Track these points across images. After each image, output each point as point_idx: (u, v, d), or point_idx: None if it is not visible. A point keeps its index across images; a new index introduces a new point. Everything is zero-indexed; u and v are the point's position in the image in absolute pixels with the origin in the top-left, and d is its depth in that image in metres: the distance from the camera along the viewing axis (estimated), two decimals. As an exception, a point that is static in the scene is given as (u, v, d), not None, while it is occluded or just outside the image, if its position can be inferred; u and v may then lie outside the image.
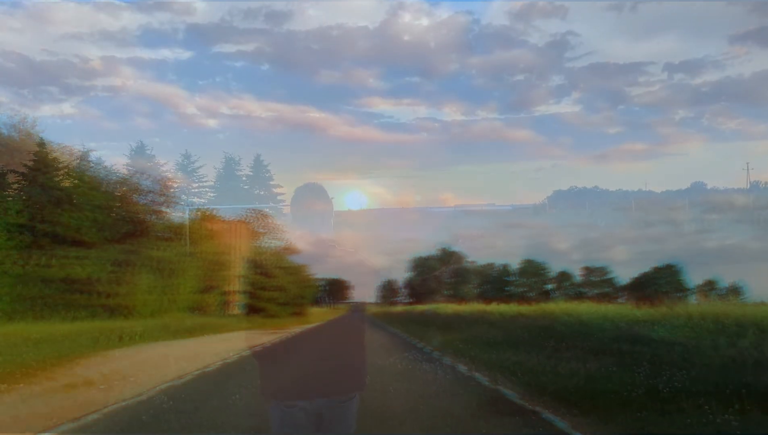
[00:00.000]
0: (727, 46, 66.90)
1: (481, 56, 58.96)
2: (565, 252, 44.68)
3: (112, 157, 71.29)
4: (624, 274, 34.06)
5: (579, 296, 30.00)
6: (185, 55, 62.52)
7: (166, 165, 51.50)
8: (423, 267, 35.54)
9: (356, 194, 50.87)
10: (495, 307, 23.72)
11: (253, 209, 30.20)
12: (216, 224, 25.56)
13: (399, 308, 33.65)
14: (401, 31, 56.05)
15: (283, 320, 6.76)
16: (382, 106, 70.65)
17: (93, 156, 31.03)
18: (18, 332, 13.62)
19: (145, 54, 64.73)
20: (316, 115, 62.93)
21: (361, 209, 48.26)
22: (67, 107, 60.36)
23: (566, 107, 61.97)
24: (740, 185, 48.35)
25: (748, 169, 47.19)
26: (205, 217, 26.09)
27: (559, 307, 21.15)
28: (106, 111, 61.21)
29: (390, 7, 59.39)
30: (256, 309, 5.99)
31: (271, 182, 57.59)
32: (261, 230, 27.12)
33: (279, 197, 56.08)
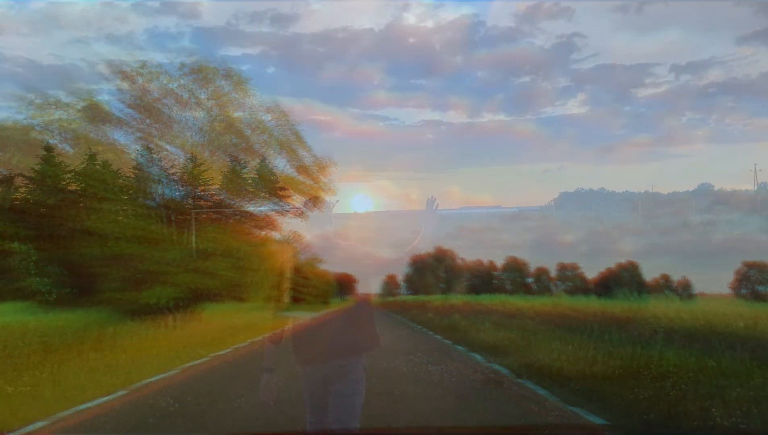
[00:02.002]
0: (734, 47, 67.05)
1: (487, 58, 58.53)
2: (572, 244, 46.15)
3: (118, 161, 72.99)
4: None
5: (553, 290, 34.92)
6: (191, 58, 63.45)
7: (172, 168, 52.06)
8: (420, 264, 40.49)
9: (361, 197, 53.05)
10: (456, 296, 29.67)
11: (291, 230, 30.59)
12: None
13: (398, 299, 38.51)
14: (407, 33, 56.39)
15: (314, 307, 11.96)
16: (387, 108, 70.07)
17: (100, 159, 32.16)
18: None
19: (152, 57, 67.58)
20: (320, 116, 63.37)
21: (367, 211, 50.48)
22: (73, 111, 61.96)
23: (572, 108, 61.35)
24: (748, 186, 48.64)
25: (756, 171, 46.60)
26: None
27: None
28: (112, 115, 61.83)
29: (395, 9, 59.62)
30: (298, 300, 10.98)
31: (277, 184, 59.08)
32: (298, 246, 31.03)
33: (284, 200, 57.59)
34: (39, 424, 5.96)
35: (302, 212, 22.17)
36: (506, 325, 14.32)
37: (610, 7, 56.61)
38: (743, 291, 30.34)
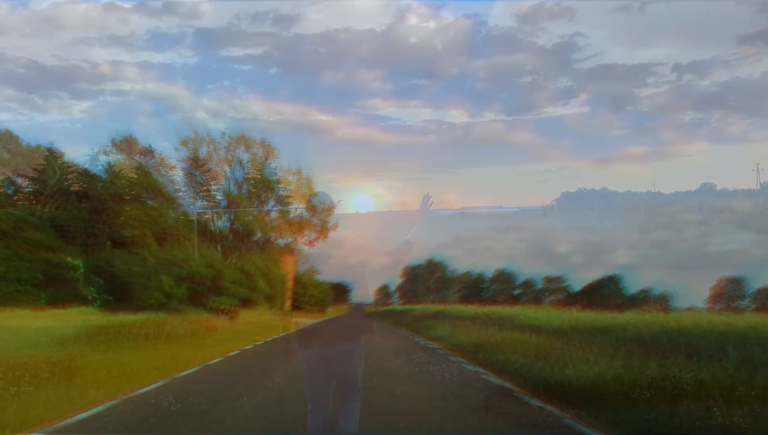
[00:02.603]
0: (736, 47, 64.97)
1: (488, 58, 58.50)
2: (566, 255, 45.62)
3: (122, 161, 73.06)
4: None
5: (538, 300, 36.04)
6: (193, 59, 62.73)
7: (175, 169, 54.18)
8: (412, 274, 41.82)
9: (363, 197, 53.54)
10: (439, 306, 31.86)
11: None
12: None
13: (390, 308, 39.83)
14: (408, 34, 56.87)
15: (313, 314, 14.89)
16: (389, 108, 70.10)
17: (102, 159, 34.13)
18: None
19: (154, 58, 66.03)
20: (321, 117, 63.49)
21: (368, 212, 51.29)
22: (76, 111, 60.50)
23: (574, 109, 59.65)
24: (750, 186, 47.54)
25: (758, 171, 46.19)
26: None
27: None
28: (115, 114, 60.30)
29: (397, 9, 60.23)
30: (297, 307, 13.91)
31: (279, 185, 59.38)
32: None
33: (286, 201, 57.85)
34: (192, 370, 9.94)
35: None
36: (454, 324, 19.15)
37: (612, 7, 55.58)
38: (718, 307, 31.38)
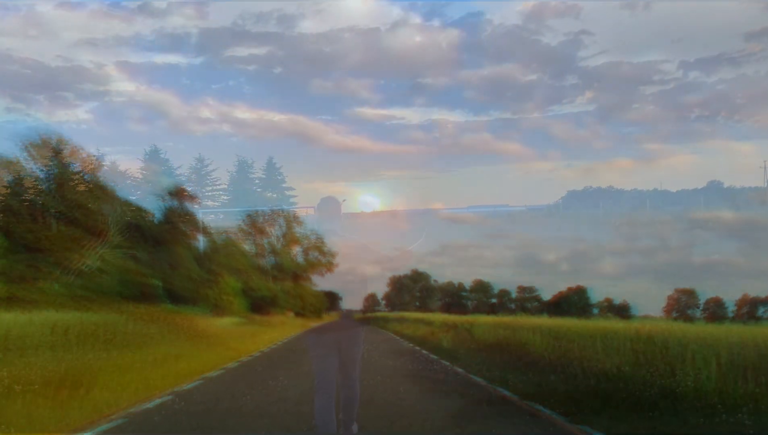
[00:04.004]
0: (743, 44, 62.53)
1: (493, 56, 57.89)
2: (553, 263, 46.91)
3: (127, 162, 71.44)
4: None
5: (513, 309, 39.37)
6: (198, 59, 61.06)
7: (180, 168, 54.33)
8: (398, 284, 45.02)
9: (368, 197, 53.18)
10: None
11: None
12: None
13: (377, 315, 43.00)
14: (413, 32, 56.22)
15: (312, 320, 19.46)
16: (395, 106, 69.80)
17: (107, 160, 34.40)
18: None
19: (159, 59, 64.10)
20: (326, 116, 63.73)
21: (373, 211, 50.50)
22: (81, 112, 60.04)
23: (580, 106, 60.43)
24: (758, 184, 47.63)
25: (766, 167, 46.18)
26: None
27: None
28: (120, 115, 60.06)
29: (402, 8, 59.73)
30: (300, 314, 18.21)
31: (284, 185, 57.23)
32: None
33: (291, 200, 55.84)
34: (264, 350, 16.12)
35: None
36: (405, 325, 27.35)
37: (618, 5, 54.68)
38: (674, 314, 34.71)
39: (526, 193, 66.41)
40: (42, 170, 22.04)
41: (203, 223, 31.58)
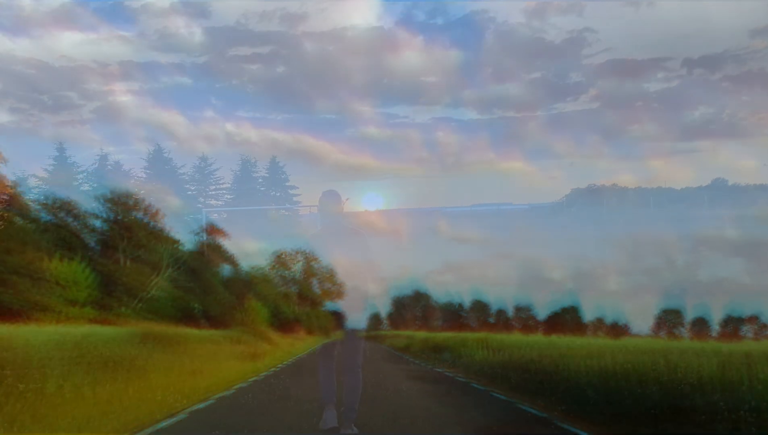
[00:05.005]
0: (748, 40, 64.43)
1: (497, 54, 59.19)
2: (558, 281, 48.18)
3: (130, 161, 75.59)
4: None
5: (510, 327, 41.33)
6: (202, 58, 65.62)
7: (183, 168, 52.28)
8: (400, 303, 46.97)
9: (372, 195, 53.13)
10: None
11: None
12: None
13: (379, 333, 44.92)
14: (416, 30, 55.47)
15: (321, 338, 22.32)
16: (398, 105, 70.24)
17: (111, 160, 37.52)
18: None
19: (163, 58, 69.35)
20: (330, 115, 65.06)
21: (377, 210, 50.19)
22: (85, 112, 65.04)
23: (584, 104, 60.47)
24: (764, 181, 46.28)
25: None
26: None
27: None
28: (124, 115, 64.68)
29: (404, 6, 60.02)
30: (311, 333, 19.85)
31: (288, 183, 55.71)
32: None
33: (295, 199, 55.02)
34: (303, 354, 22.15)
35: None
36: (401, 339, 31.69)
37: (622, 2, 57.09)
38: (662, 333, 36.46)
39: (529, 192, 66.10)
40: (114, 217, 26.43)
41: (230, 253, 34.85)
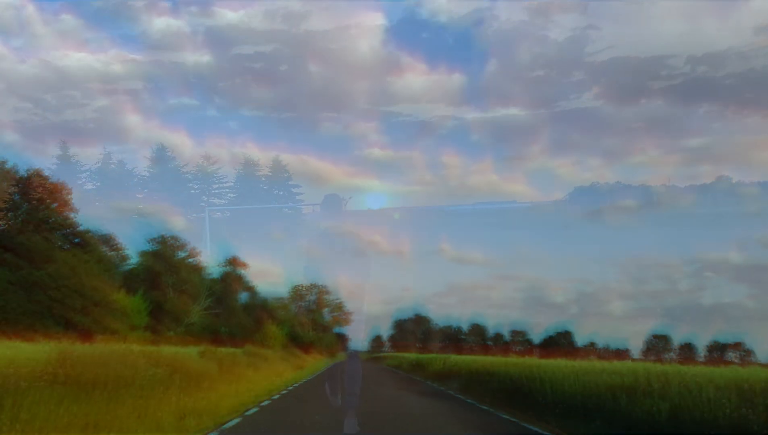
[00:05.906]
0: (752, 37, 63.14)
1: (500, 52, 59.19)
2: (562, 305, 47.91)
3: (134, 160, 71.64)
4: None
5: (507, 350, 43.20)
6: (205, 57, 62.61)
7: (186, 166, 54.89)
8: (401, 326, 49.00)
9: (376, 194, 53.63)
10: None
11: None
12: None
13: (381, 355, 46.85)
14: (419, 28, 58.72)
15: (325, 360, 27.04)
16: (401, 103, 69.99)
17: (114, 158, 41.42)
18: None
19: (166, 57, 67.52)
20: (331, 114, 67.43)
21: (381, 208, 50.97)
22: (89, 111, 61.04)
23: (587, 102, 59.55)
24: (766, 178, 48.06)
25: None
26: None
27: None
28: (127, 114, 61.63)
29: (408, 4, 61.48)
30: (320, 351, 25.15)
31: (290, 182, 58.24)
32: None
33: (297, 197, 57.44)
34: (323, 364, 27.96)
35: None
36: (397, 359, 36.18)
37: (625, 0, 55.59)
38: (651, 357, 38.40)
39: (532, 190, 65.85)
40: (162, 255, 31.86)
41: (250, 283, 38.97)
